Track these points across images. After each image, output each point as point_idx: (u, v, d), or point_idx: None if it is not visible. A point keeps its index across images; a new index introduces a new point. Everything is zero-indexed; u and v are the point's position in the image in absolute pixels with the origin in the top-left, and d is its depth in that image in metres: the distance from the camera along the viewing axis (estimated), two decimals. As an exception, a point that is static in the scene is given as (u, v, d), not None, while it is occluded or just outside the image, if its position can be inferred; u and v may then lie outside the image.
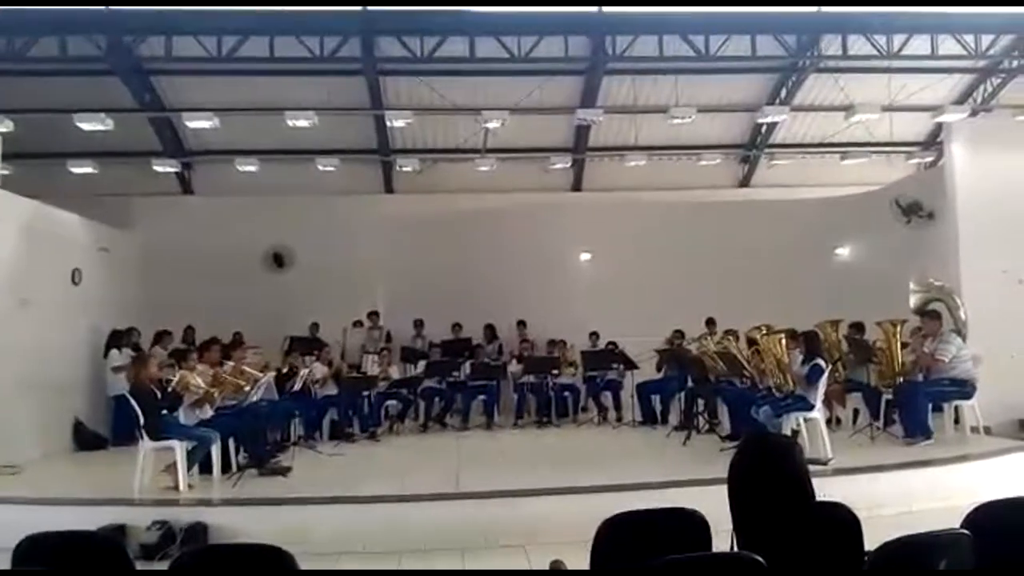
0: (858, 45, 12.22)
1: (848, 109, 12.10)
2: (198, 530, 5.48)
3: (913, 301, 8.65)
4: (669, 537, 2.76)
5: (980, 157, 9.84)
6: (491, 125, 11.52)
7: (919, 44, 12.13)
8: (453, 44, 11.82)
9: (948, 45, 12.16)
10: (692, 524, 2.89)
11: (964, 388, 7.73)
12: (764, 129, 14.23)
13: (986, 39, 12.19)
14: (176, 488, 6.41)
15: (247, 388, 7.59)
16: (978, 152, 9.89)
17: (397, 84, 12.96)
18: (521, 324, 12.19)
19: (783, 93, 13.48)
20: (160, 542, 5.29)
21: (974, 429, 7.77)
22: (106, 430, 9.78)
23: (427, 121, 13.17)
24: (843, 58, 12.50)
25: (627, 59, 12.20)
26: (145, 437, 6.55)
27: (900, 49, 12.12)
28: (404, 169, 13.55)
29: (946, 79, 13.47)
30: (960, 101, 13.48)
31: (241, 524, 5.60)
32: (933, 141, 14.39)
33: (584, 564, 2.85)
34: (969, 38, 12.09)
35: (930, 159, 14.66)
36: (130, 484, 6.38)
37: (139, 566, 2.78)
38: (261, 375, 7.96)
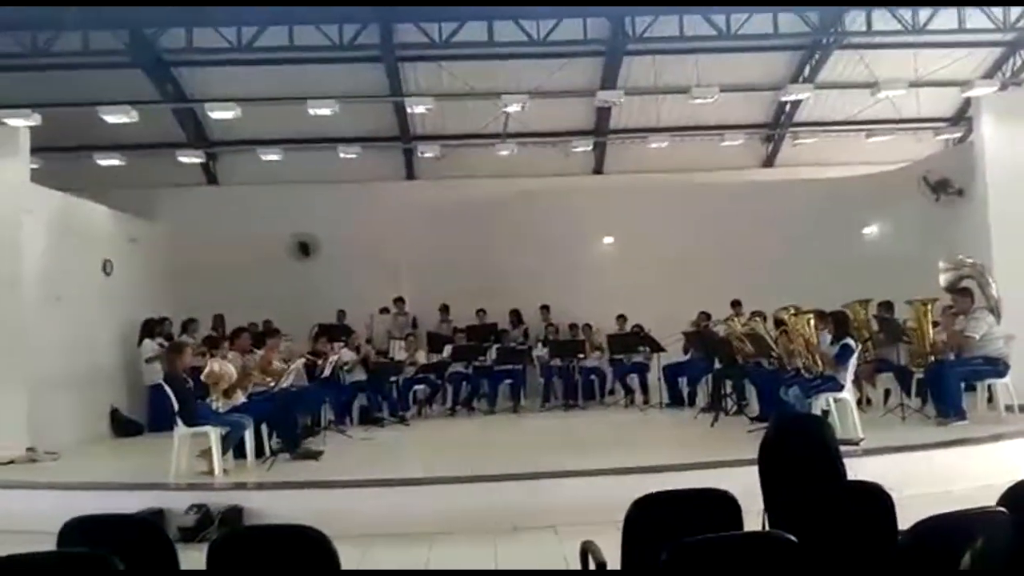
0: (883, 20, 11.99)
1: (873, 85, 11.89)
2: (234, 513, 5.59)
3: (943, 279, 8.51)
4: (700, 517, 2.77)
5: (1010, 131, 9.64)
6: (511, 109, 11.47)
7: (945, 18, 11.87)
8: (471, 28, 11.78)
9: (975, 18, 11.89)
10: (722, 504, 2.90)
11: (997, 366, 7.62)
12: (788, 108, 14.02)
13: (1015, 11, 11.89)
14: (211, 473, 6.54)
15: (271, 383, 7.74)
16: (1008, 126, 9.69)
17: (416, 70, 12.95)
18: (544, 308, 12.21)
19: (806, 70, 13.25)
20: (198, 525, 5.41)
21: (1008, 408, 7.64)
22: (142, 417, 9.98)
23: (447, 107, 13.14)
24: (867, 34, 12.27)
25: (647, 39, 12.07)
26: (180, 423, 6.68)
27: (926, 23, 11.88)
28: (425, 155, 13.55)
29: (974, 53, 13.17)
30: (989, 75, 13.17)
31: (275, 507, 5.69)
32: (961, 116, 14.10)
33: (615, 545, 2.87)
34: (997, 10, 11.80)
35: (959, 135, 14.36)
36: (167, 469, 6.51)
37: (178, 548, 2.84)
38: (287, 366, 8.06)
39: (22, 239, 8.64)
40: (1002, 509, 2.45)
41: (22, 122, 9.47)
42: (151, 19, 11.18)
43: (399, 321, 12.38)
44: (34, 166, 9.84)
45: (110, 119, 11.02)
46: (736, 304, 10.23)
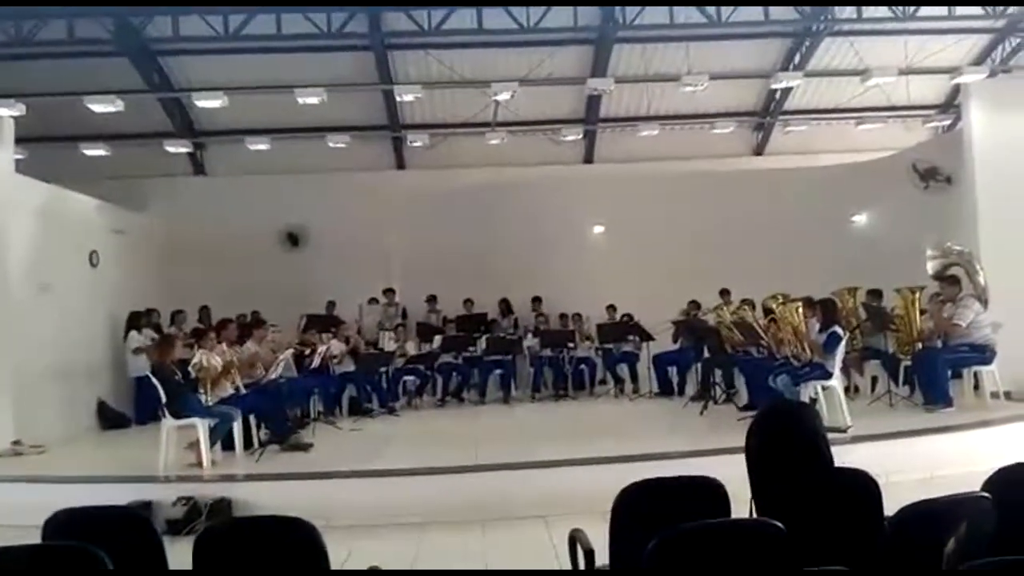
0: (873, 7, 11.98)
1: (863, 73, 11.88)
2: (223, 505, 5.59)
3: (931, 267, 8.56)
4: (687, 505, 2.77)
5: (999, 119, 9.65)
6: (501, 97, 11.39)
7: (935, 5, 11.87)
8: (460, 16, 11.71)
9: (965, 5, 11.90)
10: (710, 492, 2.91)
11: (983, 353, 7.68)
12: (778, 95, 14.03)
13: (1005, -2, 11.91)
14: (200, 465, 6.52)
15: (260, 373, 7.72)
16: (997, 114, 9.69)
17: (405, 58, 12.87)
18: (536, 300, 12.18)
19: (797, 58, 13.25)
20: (186, 517, 5.40)
21: (994, 395, 7.71)
22: (129, 410, 9.92)
23: (436, 95, 13.07)
24: (858, 21, 12.27)
25: (637, 27, 12.04)
26: (168, 416, 6.65)
27: (916, 10, 11.88)
28: (414, 144, 13.48)
29: (964, 40, 13.19)
30: (978, 62, 13.20)
31: (264, 499, 5.70)
32: (951, 104, 14.14)
33: (603, 533, 2.88)
34: (987, -3, 11.82)
35: (948, 122, 14.41)
36: (155, 462, 6.49)
37: (166, 541, 2.83)
38: (279, 357, 8.03)
39: (7, 231, 8.55)
40: (986, 495, 2.46)
41: (6, 112, 9.34)
42: (137, 7, 11.06)
43: (388, 312, 12.35)
44: (19, 156, 9.74)
45: (96, 108, 10.90)
46: (725, 293, 10.24)
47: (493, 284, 12.21)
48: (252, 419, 7.48)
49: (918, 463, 5.76)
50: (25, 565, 2.35)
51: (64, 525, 2.76)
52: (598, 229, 13.28)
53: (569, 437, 7.65)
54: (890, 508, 2.50)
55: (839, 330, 7.14)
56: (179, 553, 2.72)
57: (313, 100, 11.02)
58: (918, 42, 12.63)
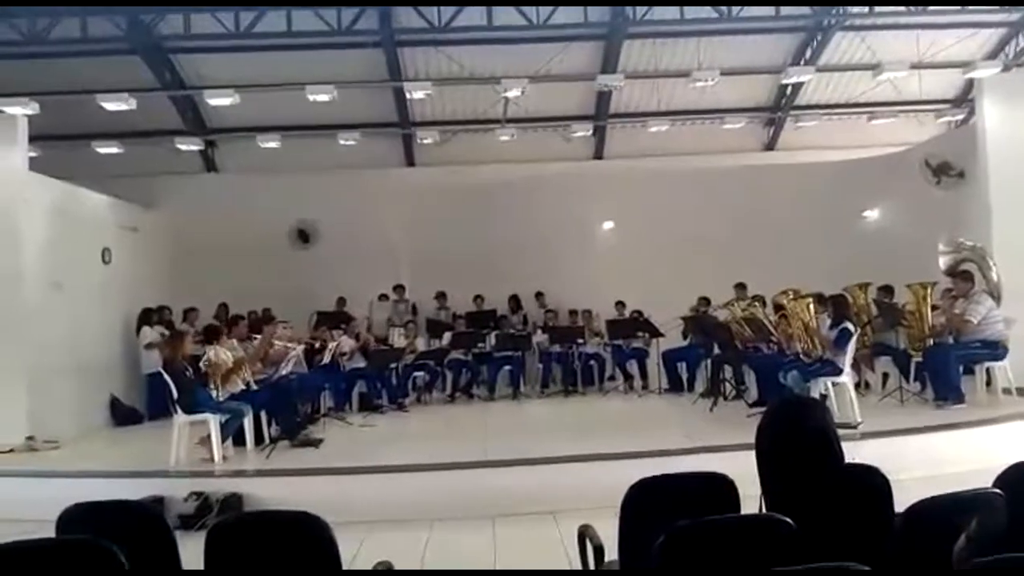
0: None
1: (875, 67, 11.80)
2: (233, 500, 5.62)
3: (943, 262, 8.50)
4: (697, 501, 2.77)
5: (1012, 114, 9.55)
6: (511, 94, 11.41)
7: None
8: (470, 13, 11.70)
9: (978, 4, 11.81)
10: (720, 488, 2.91)
11: (995, 350, 7.62)
12: (789, 91, 13.95)
13: (1019, -9, 11.81)
14: (211, 460, 6.57)
15: (281, 350, 7.78)
16: (1010, 108, 9.60)
17: (415, 55, 12.89)
18: (539, 295, 12.21)
19: (808, 53, 13.18)
20: (197, 512, 5.44)
21: (1006, 391, 7.66)
22: (141, 405, 10.00)
23: (446, 92, 13.08)
24: (869, 15, 12.18)
25: (648, 23, 12.00)
26: (179, 411, 6.70)
27: (928, 4, 11.79)
28: (424, 141, 13.51)
29: (977, 34, 13.08)
30: (992, 56, 13.09)
31: (275, 494, 5.71)
32: (964, 98, 14.03)
33: (613, 529, 2.88)
34: (1001, -9, 11.73)
35: (961, 117, 14.30)
36: (166, 457, 6.54)
37: (178, 535, 2.85)
38: (292, 346, 8.08)
39: (21, 228, 8.62)
40: (997, 491, 2.45)
41: (20, 110, 9.44)
42: (149, 5, 11.11)
43: (398, 308, 12.38)
44: (33, 154, 9.80)
45: (109, 106, 10.99)
46: (741, 287, 10.13)
47: (503, 280, 12.21)
48: (263, 415, 7.52)
49: (929, 459, 5.73)
50: (39, 559, 2.38)
51: (77, 520, 2.78)
52: (608, 225, 13.26)
53: (578, 433, 7.66)
54: (900, 504, 2.49)
55: (850, 326, 7.11)
56: (191, 547, 2.74)
57: (324, 97, 11.06)
58: (930, 36, 12.53)
